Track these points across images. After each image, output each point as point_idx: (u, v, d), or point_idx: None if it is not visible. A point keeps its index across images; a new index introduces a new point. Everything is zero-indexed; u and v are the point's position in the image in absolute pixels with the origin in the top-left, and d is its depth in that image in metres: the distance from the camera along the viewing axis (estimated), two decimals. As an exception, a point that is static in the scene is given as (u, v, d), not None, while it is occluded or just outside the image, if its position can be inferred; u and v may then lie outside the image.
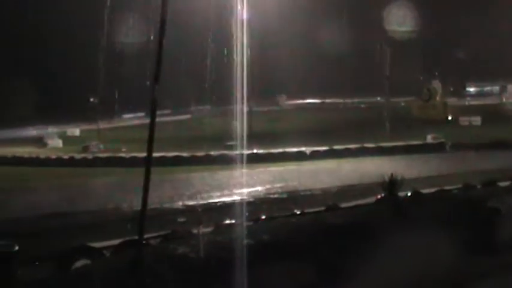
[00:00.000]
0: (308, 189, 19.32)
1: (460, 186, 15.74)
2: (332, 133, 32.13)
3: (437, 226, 9.19)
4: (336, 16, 49.68)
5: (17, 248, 8.19)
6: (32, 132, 43.25)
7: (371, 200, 13.95)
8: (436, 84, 47.31)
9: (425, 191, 14.72)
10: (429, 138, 33.04)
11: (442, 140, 32.04)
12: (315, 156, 28.03)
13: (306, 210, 13.31)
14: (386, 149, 28.99)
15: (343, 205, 13.94)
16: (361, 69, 51.78)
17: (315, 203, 14.97)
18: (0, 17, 50.60)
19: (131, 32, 42.90)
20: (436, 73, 47.90)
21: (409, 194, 14.02)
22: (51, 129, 44.11)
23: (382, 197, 13.53)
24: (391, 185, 13.42)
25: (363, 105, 55.75)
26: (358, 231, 9.26)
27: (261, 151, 27.58)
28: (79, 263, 9.05)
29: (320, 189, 19.23)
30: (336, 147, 29.09)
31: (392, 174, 13.43)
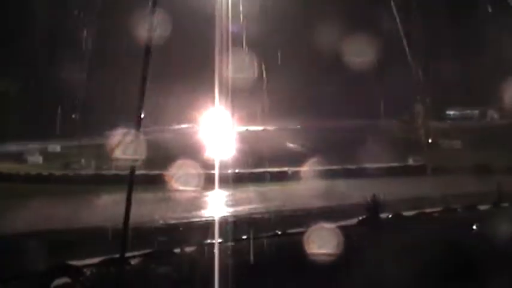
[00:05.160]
0: (290, 210, 19.31)
1: (440, 208, 15.84)
2: (314, 155, 32.19)
3: (415, 248, 9.26)
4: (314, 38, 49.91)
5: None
6: (12, 147, 42.77)
7: (353, 221, 14.00)
8: (418, 107, 47.72)
9: (406, 213, 14.80)
10: (410, 161, 33.22)
11: (423, 162, 32.28)
12: (296, 177, 28.04)
13: (288, 231, 13.30)
14: (368, 171, 29.11)
15: (326, 226, 13.93)
16: (345, 88, 52.06)
17: (297, 223, 14.96)
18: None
19: (119, 49, 42.81)
20: (418, 96, 48.34)
21: (390, 215, 14.10)
22: (32, 145, 43.60)
23: (364, 219, 13.61)
24: (373, 206, 13.52)
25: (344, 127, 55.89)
26: (339, 252, 9.28)
27: (243, 171, 27.54)
28: (59, 281, 8.94)
29: (302, 209, 19.22)
30: (317, 168, 29.13)
31: (374, 196, 13.53)
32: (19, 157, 36.57)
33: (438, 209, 15.84)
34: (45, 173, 30.18)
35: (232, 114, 31.60)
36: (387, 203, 13.51)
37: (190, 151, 31.68)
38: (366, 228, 12.86)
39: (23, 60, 50.95)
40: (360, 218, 13.63)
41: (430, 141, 42.72)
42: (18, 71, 51.12)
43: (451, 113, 60.72)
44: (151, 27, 7.67)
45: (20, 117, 47.30)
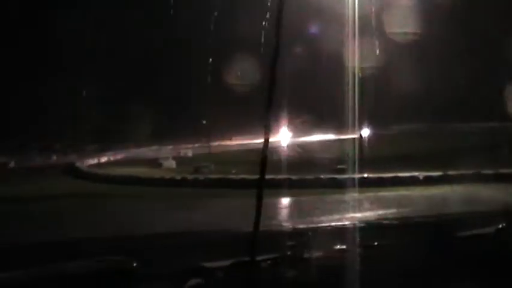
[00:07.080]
0: (421, 216, 18.67)
1: None
2: (446, 158, 30.94)
3: None
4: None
5: (135, 264, 8.52)
6: (148, 153, 45.21)
7: (490, 229, 13.21)
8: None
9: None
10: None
11: None
12: (428, 181, 27.07)
13: (420, 239, 12.79)
14: (507, 176, 27.40)
15: (460, 234, 13.27)
16: (470, 91, 49.84)
17: (429, 230, 14.39)
18: (118, 42, 53.62)
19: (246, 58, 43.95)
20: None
21: (533, 224, 13.14)
22: (166, 150, 45.87)
23: (502, 227, 12.78)
24: (513, 214, 12.68)
25: (476, 130, 53.37)
26: (478, 263, 8.77)
27: (371, 175, 27.07)
28: (192, 282, 9.21)
29: (434, 216, 18.51)
30: (450, 172, 27.95)
31: (513, 203, 12.69)
32: (154, 162, 38.42)
33: None
34: (178, 177, 31.49)
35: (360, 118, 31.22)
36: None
37: (316, 156, 31.70)
38: (505, 238, 12.06)
39: (159, 67, 53.70)
40: (499, 226, 12.80)
41: None
42: (154, 78, 53.94)
43: None
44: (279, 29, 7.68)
45: (156, 123, 49.95)
